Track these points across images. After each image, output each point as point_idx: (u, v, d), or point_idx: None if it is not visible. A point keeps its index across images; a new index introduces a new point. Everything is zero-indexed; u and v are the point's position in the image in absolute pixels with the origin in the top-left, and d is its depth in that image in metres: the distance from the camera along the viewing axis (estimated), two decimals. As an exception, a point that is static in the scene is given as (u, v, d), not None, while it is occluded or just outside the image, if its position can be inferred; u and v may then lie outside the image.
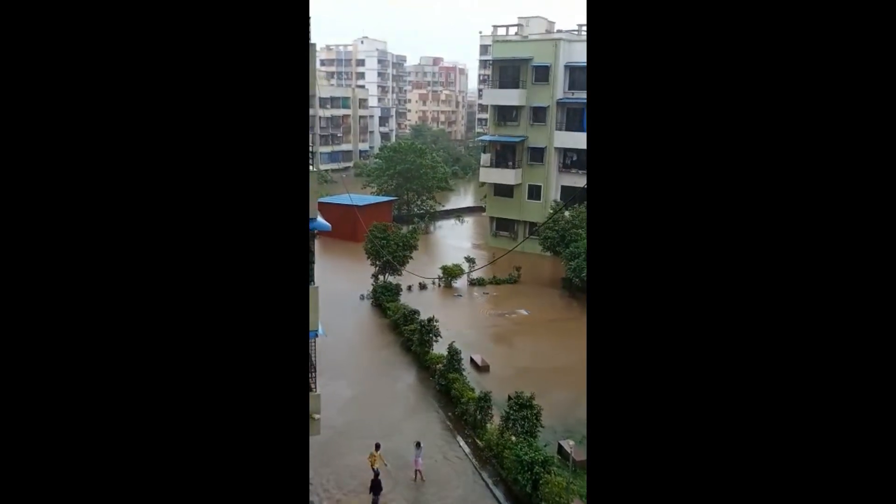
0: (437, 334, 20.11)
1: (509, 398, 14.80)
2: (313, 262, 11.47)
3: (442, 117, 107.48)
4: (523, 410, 14.05)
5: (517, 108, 34.94)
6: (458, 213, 47.74)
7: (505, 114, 35.66)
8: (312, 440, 12.25)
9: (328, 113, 69.40)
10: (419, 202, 44.83)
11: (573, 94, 33.60)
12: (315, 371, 12.51)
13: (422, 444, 14.07)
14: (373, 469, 13.36)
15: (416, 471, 13.81)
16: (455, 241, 39.50)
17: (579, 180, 33.62)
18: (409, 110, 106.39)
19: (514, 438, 14.02)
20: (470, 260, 30.55)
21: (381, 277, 26.46)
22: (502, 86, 35.30)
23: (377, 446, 13.70)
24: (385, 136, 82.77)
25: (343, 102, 73.22)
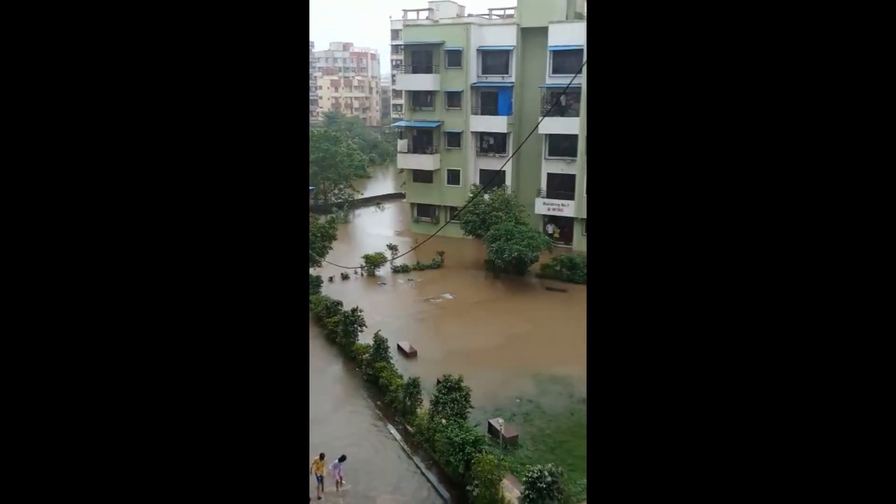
0: (362, 324, 19.84)
1: (438, 382, 14.84)
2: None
3: (356, 104, 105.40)
4: (452, 393, 14.13)
5: (432, 93, 34.82)
6: (378, 201, 47.23)
7: (420, 99, 35.46)
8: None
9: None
10: (336, 191, 43.92)
11: (486, 77, 33.89)
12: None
13: (346, 458, 13.69)
14: (317, 476, 13.07)
15: (336, 480, 13.55)
16: (376, 228, 39.06)
17: (496, 163, 34.08)
18: (321, 97, 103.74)
19: (444, 421, 14.09)
20: (392, 247, 30.32)
21: (301, 269, 25.70)
22: (415, 71, 35.03)
23: (321, 456, 13.36)
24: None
25: (251, 90, 70.10)
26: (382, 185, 57.61)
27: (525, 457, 14.07)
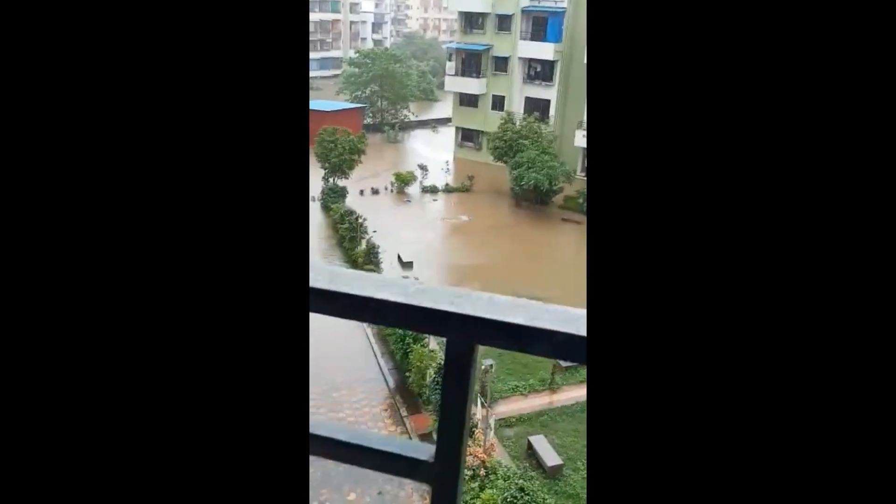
0: (364, 231, 21.66)
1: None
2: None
3: (444, 25, 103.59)
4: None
5: (483, 16, 34.61)
6: (433, 124, 48.06)
7: (472, 21, 35.36)
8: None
9: (316, 17, 67.84)
10: (393, 111, 45.16)
11: (538, 2, 33.13)
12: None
13: None
14: None
15: None
16: (425, 150, 40.25)
17: (543, 92, 33.85)
18: (409, 17, 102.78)
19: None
20: (422, 167, 31.55)
21: (330, 180, 27.71)
22: (470, -9, 34.82)
23: None
24: (378, 44, 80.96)
25: (332, 6, 71.32)
26: (448, 108, 58.05)
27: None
